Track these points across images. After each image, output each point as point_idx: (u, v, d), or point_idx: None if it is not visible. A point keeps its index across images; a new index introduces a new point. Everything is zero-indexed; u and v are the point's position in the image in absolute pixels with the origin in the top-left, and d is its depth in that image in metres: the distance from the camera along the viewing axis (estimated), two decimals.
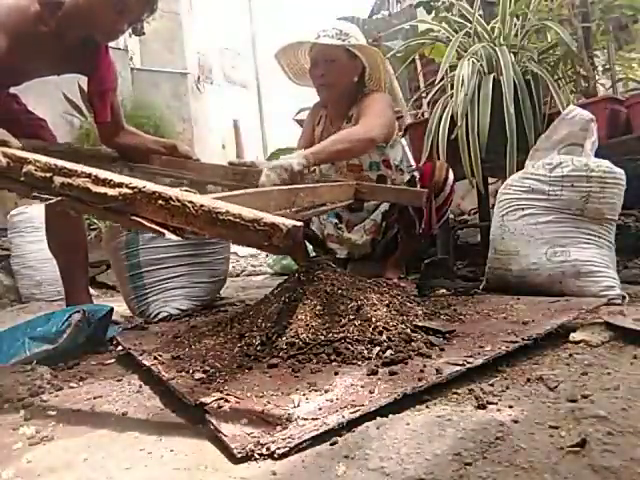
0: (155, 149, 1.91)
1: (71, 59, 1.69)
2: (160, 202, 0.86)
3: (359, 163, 1.87)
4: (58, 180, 0.93)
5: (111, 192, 0.88)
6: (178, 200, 0.85)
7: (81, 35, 1.63)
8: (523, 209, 1.59)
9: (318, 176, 1.77)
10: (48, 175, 0.94)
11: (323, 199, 1.39)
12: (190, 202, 0.83)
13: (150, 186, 0.88)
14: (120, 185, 0.89)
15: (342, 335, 1.05)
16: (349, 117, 1.86)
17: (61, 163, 0.95)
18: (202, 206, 0.83)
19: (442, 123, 2.04)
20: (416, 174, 1.77)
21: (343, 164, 1.89)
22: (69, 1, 1.56)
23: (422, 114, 2.65)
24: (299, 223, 0.80)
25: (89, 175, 0.91)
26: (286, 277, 1.42)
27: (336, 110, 1.89)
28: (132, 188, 0.88)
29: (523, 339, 0.99)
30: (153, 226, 0.87)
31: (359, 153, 1.78)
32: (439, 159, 1.92)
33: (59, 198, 0.94)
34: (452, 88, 2.05)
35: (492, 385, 0.86)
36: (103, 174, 0.91)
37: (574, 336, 1.07)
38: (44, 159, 0.97)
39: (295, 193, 1.22)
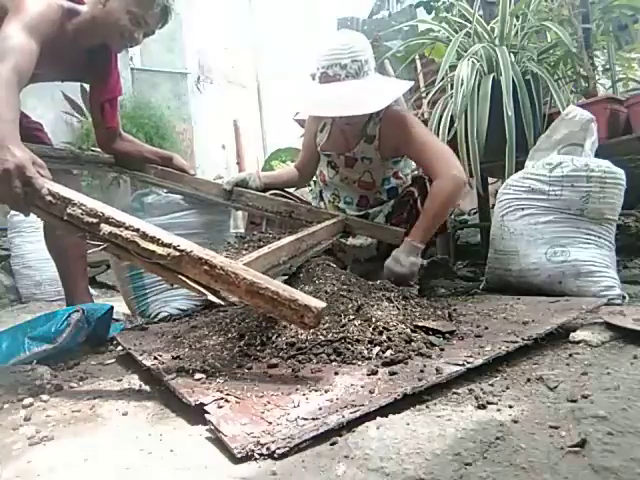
0: (151, 159, 1.92)
1: (82, 66, 1.71)
2: (205, 267, 0.93)
3: (372, 180, 1.85)
4: (106, 228, 0.99)
5: (160, 251, 0.95)
6: (222, 269, 0.92)
7: (96, 44, 1.65)
8: (523, 209, 1.59)
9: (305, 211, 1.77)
10: (95, 221, 1.00)
11: (320, 238, 1.52)
12: (234, 273, 0.92)
13: (197, 251, 0.95)
14: (168, 245, 0.95)
15: (342, 335, 1.04)
16: (369, 137, 1.77)
17: (108, 212, 1.00)
18: (244, 279, 0.91)
19: (442, 123, 2.05)
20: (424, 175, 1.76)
21: (355, 179, 1.87)
22: (87, 11, 1.59)
23: (422, 114, 2.65)
24: (324, 304, 0.90)
25: (137, 230, 0.97)
26: (286, 277, 1.42)
27: (351, 128, 1.78)
28: (180, 250, 0.94)
29: (523, 339, 0.99)
30: (199, 288, 0.94)
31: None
32: None
33: (105, 244, 0.99)
34: (452, 88, 2.05)
35: (492, 385, 0.86)
36: (151, 231, 0.97)
37: (574, 336, 1.07)
38: (90, 204, 1.02)
39: (301, 241, 1.36)
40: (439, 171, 1.61)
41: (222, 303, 0.96)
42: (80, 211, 1.01)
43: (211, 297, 0.94)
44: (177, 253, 0.94)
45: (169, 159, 1.92)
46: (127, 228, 0.98)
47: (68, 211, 1.01)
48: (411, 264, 1.55)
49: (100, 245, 1.00)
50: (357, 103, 1.55)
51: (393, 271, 1.55)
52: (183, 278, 0.95)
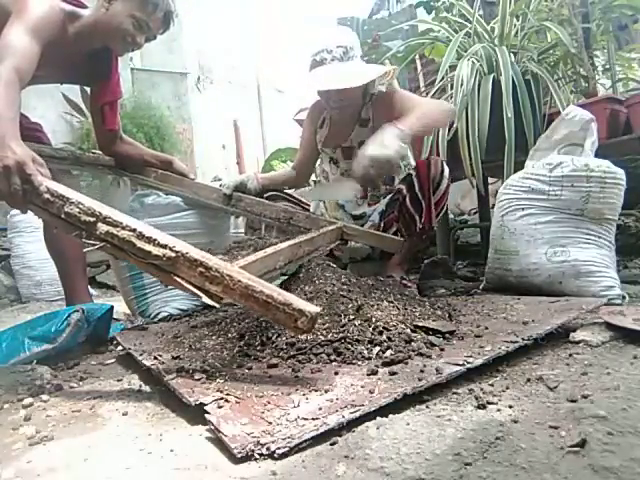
0: (151, 162, 1.93)
1: (83, 69, 1.71)
2: (200, 269, 0.94)
3: None
4: (102, 228, 0.99)
5: (156, 251, 0.95)
6: (218, 272, 0.93)
7: (98, 47, 1.66)
8: (523, 209, 1.59)
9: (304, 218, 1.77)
10: (92, 220, 1.00)
11: (317, 245, 1.52)
12: (229, 276, 0.92)
13: (193, 253, 0.95)
14: (164, 246, 0.95)
15: (342, 335, 1.05)
16: (363, 120, 1.82)
17: (105, 211, 1.01)
18: (239, 282, 0.91)
19: None
20: (412, 172, 1.77)
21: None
22: (89, 14, 1.59)
23: None
24: (319, 309, 0.90)
25: (134, 230, 0.97)
26: (285, 277, 1.42)
27: (345, 115, 1.84)
28: (176, 252, 0.95)
29: (523, 339, 0.99)
30: (193, 289, 0.94)
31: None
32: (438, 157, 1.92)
33: (102, 244, 0.99)
34: (452, 88, 2.05)
35: (492, 385, 0.86)
36: (148, 231, 0.97)
37: (574, 336, 1.07)
38: (87, 202, 1.02)
39: (298, 246, 1.37)
40: (427, 101, 1.73)
41: (216, 305, 0.96)
42: (77, 210, 1.01)
43: (205, 299, 0.94)
44: (173, 254, 0.94)
45: (169, 163, 1.93)
46: (124, 228, 0.98)
47: (66, 209, 1.01)
48: (399, 146, 1.39)
49: (96, 244, 1.00)
50: (341, 79, 1.63)
51: (375, 156, 1.36)
52: (178, 279, 0.95)
